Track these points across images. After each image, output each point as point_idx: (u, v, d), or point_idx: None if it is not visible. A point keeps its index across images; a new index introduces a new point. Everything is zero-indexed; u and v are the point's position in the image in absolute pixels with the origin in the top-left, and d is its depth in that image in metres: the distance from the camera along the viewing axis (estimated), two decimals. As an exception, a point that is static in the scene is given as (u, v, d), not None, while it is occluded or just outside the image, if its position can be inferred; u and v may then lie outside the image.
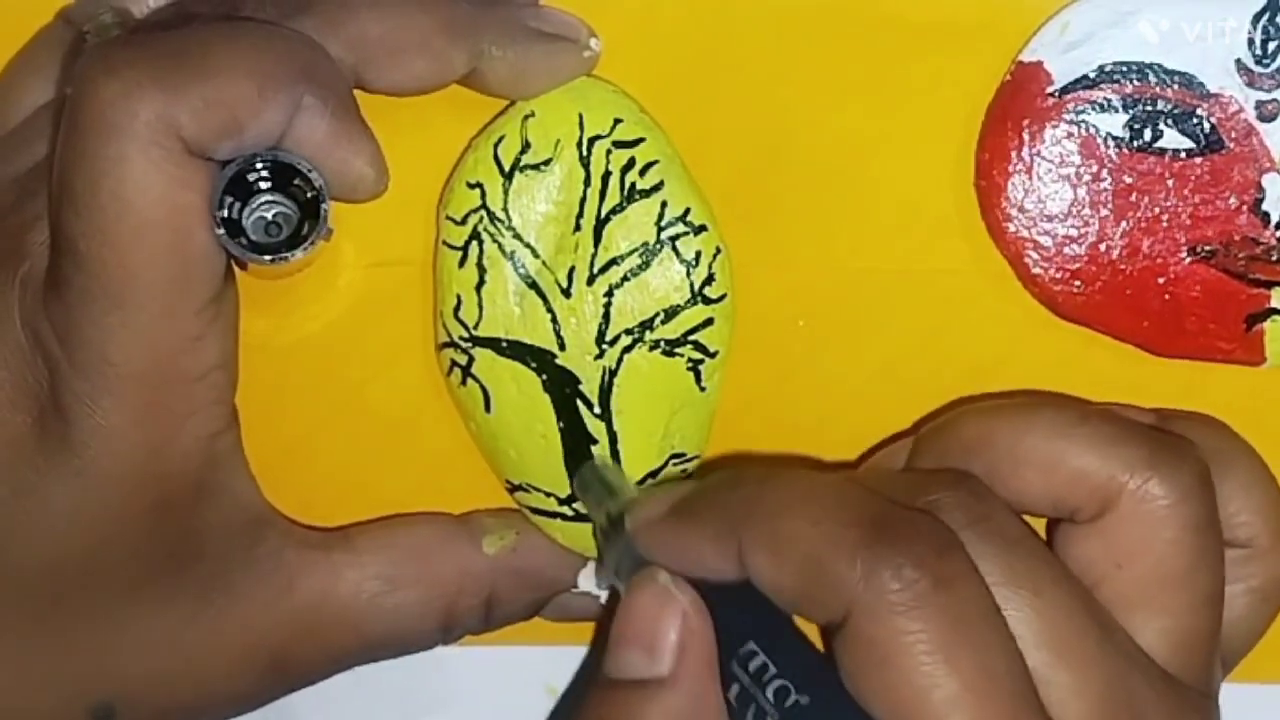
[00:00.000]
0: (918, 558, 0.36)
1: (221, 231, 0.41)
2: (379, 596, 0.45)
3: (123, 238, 0.40)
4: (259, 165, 0.41)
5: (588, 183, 0.45)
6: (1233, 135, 0.45)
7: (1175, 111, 0.45)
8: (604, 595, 0.47)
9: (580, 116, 0.45)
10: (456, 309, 0.45)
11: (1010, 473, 0.41)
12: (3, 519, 0.42)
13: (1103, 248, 0.46)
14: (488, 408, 0.46)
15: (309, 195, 0.42)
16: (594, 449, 0.45)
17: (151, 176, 0.40)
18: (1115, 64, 0.45)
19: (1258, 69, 0.45)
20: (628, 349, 0.45)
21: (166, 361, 0.41)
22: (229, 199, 0.41)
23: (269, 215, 0.42)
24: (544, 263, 0.45)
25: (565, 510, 0.46)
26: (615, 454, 0.45)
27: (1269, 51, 0.45)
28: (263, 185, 0.42)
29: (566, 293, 0.45)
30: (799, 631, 0.39)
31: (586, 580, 0.47)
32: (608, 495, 0.44)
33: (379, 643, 0.45)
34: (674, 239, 0.45)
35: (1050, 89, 0.45)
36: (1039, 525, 0.41)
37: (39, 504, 0.42)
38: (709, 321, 0.45)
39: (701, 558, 0.39)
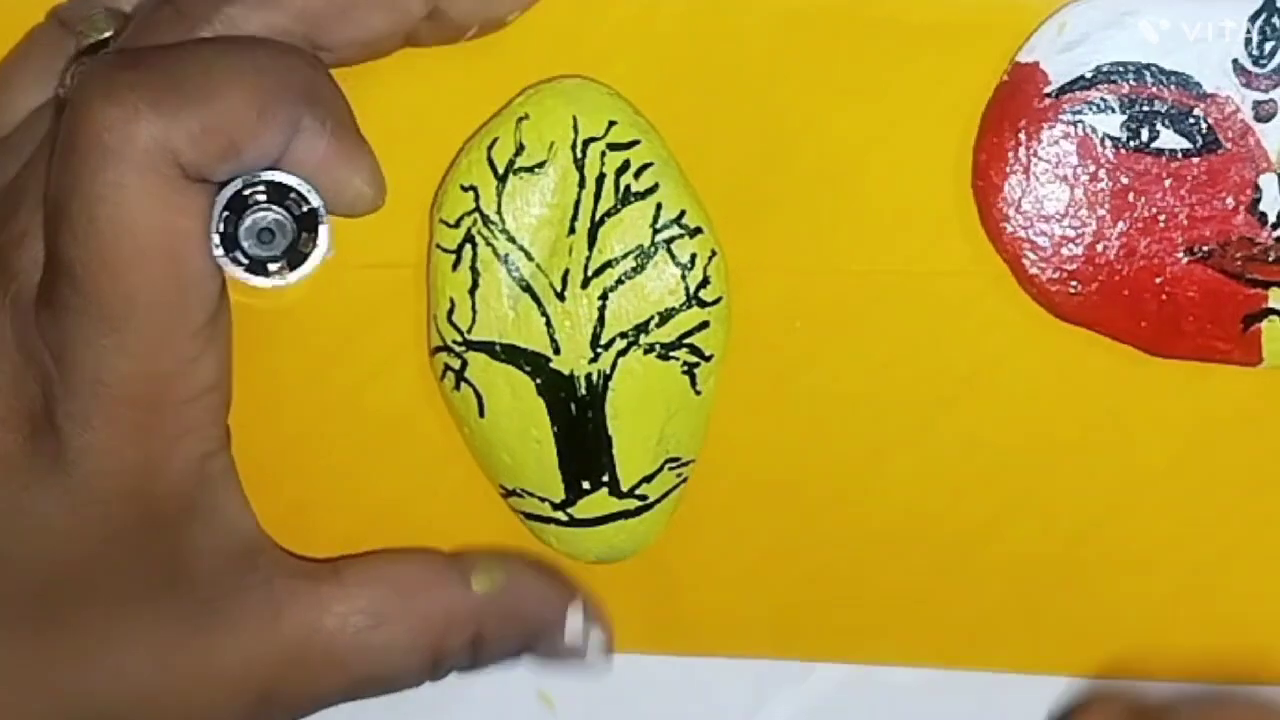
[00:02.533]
0: None
1: (220, 252, 0.41)
2: (365, 632, 0.44)
3: (121, 263, 0.40)
4: (256, 184, 0.41)
5: (582, 185, 0.44)
6: (1229, 135, 0.45)
7: (1172, 112, 0.45)
8: (588, 645, 0.46)
9: (574, 119, 0.44)
10: (450, 313, 0.45)
11: None
12: None
13: (1100, 248, 0.45)
14: (481, 412, 0.45)
15: (304, 209, 0.42)
16: None
17: (150, 203, 0.40)
18: (1112, 64, 0.45)
19: (1255, 69, 0.45)
20: (622, 353, 0.45)
21: (161, 383, 0.41)
22: (225, 212, 0.41)
23: (262, 223, 0.42)
24: (538, 266, 0.45)
25: (559, 515, 0.46)
26: (610, 459, 0.45)
27: (1266, 52, 0.45)
28: (259, 198, 0.42)
29: (561, 296, 0.45)
30: None
31: (574, 618, 0.46)
32: None
33: (365, 679, 0.45)
34: (669, 242, 0.45)
35: (1047, 89, 0.45)
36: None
37: (29, 520, 0.42)
38: (704, 325, 0.45)
39: None
